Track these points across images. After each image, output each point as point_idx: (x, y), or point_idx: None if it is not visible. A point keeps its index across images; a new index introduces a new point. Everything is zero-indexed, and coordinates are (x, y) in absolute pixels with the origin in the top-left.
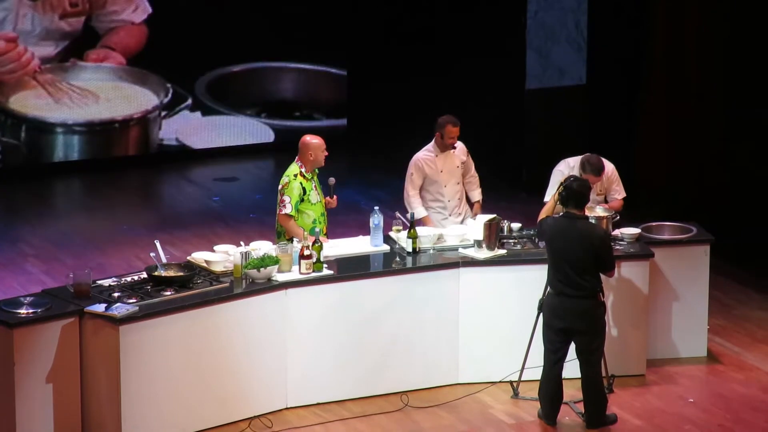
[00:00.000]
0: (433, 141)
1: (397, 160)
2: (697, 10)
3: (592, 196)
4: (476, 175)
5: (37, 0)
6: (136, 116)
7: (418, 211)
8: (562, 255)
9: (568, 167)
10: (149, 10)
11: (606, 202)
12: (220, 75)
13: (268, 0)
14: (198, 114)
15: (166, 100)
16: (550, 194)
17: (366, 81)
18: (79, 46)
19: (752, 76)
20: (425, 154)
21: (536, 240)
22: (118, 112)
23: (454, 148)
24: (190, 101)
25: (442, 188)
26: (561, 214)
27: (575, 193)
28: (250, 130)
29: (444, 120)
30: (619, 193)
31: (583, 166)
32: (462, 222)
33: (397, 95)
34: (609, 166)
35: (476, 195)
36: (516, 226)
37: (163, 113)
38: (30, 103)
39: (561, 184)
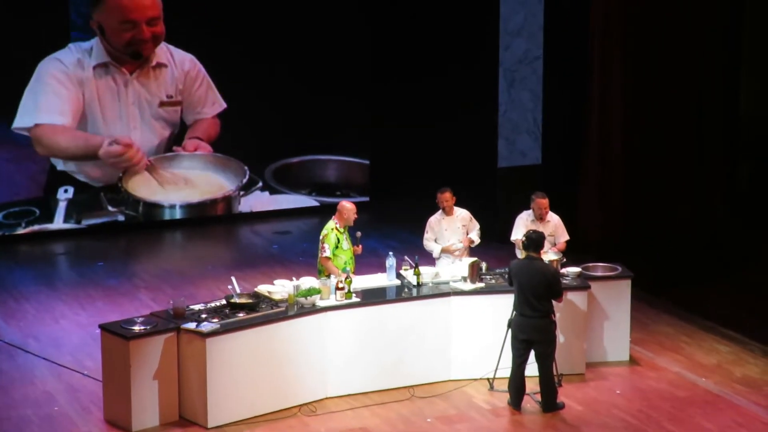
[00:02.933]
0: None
1: (404, 221)
2: (622, 107)
3: (546, 237)
4: (478, 230)
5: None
6: (221, 197)
7: (436, 249)
8: (525, 286)
9: (526, 214)
10: (224, 105)
11: (555, 243)
12: (282, 164)
13: (313, 111)
14: (266, 193)
15: (244, 180)
16: (515, 234)
17: (382, 169)
18: (177, 137)
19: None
20: (435, 217)
21: (506, 276)
22: (208, 195)
23: (446, 209)
24: (260, 184)
25: (447, 242)
26: (524, 256)
27: (534, 241)
28: (303, 203)
29: (438, 192)
30: (563, 237)
31: (532, 197)
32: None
33: (403, 178)
34: (555, 217)
35: (471, 234)
36: (484, 265)
37: (241, 193)
38: (144, 189)
39: (524, 235)
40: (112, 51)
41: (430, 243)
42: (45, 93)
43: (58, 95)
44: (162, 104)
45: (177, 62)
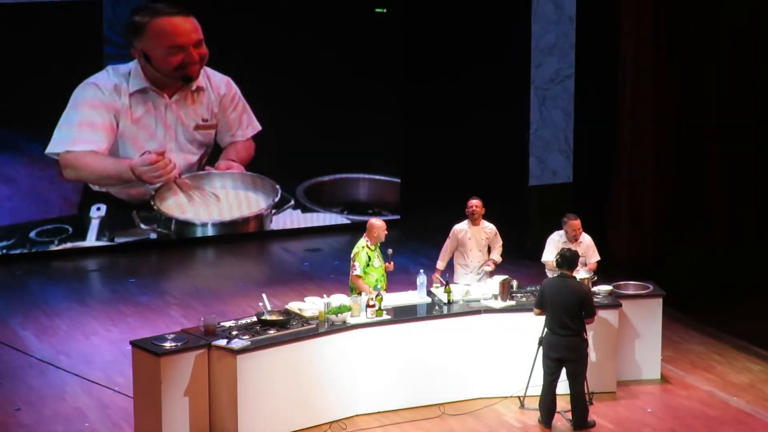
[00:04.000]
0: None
1: (433, 239)
2: (654, 125)
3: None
4: (500, 247)
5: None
6: (253, 215)
7: (438, 264)
8: (559, 305)
9: (557, 235)
10: (258, 127)
11: (586, 264)
12: (314, 183)
13: (345, 130)
14: (298, 212)
15: (276, 199)
16: (546, 255)
17: (413, 187)
18: (210, 158)
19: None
20: (461, 225)
21: (536, 294)
22: (240, 213)
23: (474, 216)
24: (292, 202)
25: (468, 252)
26: (557, 275)
27: (568, 259)
28: (334, 221)
29: (471, 198)
30: (594, 258)
31: (564, 219)
32: (479, 281)
33: (434, 196)
34: (587, 238)
35: (494, 254)
36: (515, 283)
37: (273, 211)
38: (178, 207)
39: (559, 253)
40: (153, 76)
41: (443, 253)
42: (79, 121)
43: (92, 123)
44: (197, 128)
45: (214, 85)
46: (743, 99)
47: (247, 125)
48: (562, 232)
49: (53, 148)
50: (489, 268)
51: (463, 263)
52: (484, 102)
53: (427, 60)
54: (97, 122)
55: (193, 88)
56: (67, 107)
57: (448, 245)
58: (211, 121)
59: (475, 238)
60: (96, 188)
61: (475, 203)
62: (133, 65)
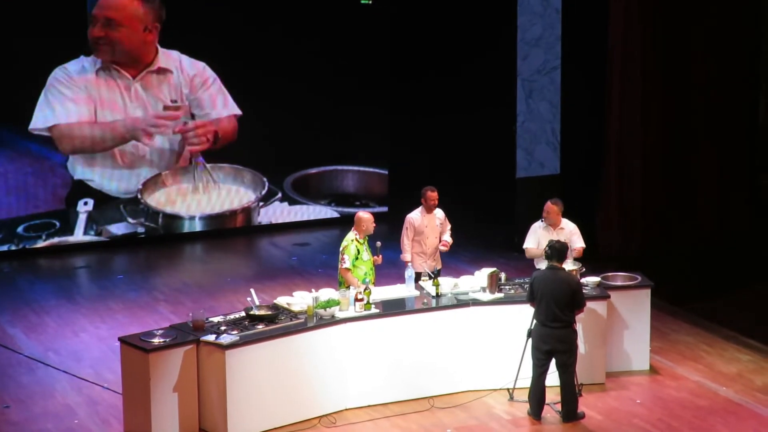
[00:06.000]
0: (421, 206)
1: None
2: (641, 117)
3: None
4: (450, 230)
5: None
6: (241, 208)
7: (405, 256)
8: (550, 297)
9: (539, 223)
10: (238, 110)
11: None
12: (301, 175)
13: (331, 122)
14: (285, 204)
15: (263, 192)
16: (527, 242)
17: (401, 179)
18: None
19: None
20: (415, 214)
21: (526, 287)
22: (229, 206)
23: (433, 206)
24: (280, 195)
25: (425, 239)
26: (547, 266)
27: (557, 251)
28: (322, 214)
29: (425, 189)
30: (579, 243)
31: (547, 203)
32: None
33: (420, 188)
34: (571, 225)
35: (446, 236)
36: (503, 276)
37: (260, 204)
38: (164, 200)
39: (548, 245)
40: (114, 56)
41: (407, 244)
42: (56, 96)
43: (69, 97)
44: (166, 108)
45: (183, 68)
46: (731, 90)
47: (224, 104)
48: (539, 222)
49: (35, 123)
50: (444, 249)
51: (420, 251)
52: (471, 94)
53: (414, 52)
54: (72, 96)
55: (155, 68)
56: (44, 89)
57: (408, 236)
58: (181, 103)
59: (431, 226)
60: (79, 177)
61: (435, 195)
62: None
